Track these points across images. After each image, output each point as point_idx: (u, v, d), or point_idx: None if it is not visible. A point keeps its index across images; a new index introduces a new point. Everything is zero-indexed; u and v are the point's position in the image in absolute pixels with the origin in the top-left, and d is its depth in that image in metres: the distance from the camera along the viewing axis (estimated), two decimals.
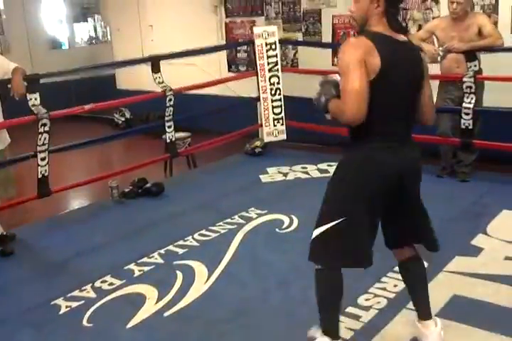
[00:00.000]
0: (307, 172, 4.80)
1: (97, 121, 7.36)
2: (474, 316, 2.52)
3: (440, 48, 4.24)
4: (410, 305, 2.50)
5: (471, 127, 4.26)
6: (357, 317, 2.55)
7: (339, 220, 2.05)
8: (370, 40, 1.96)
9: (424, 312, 2.28)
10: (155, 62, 4.63)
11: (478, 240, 3.30)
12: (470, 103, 4.23)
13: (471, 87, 4.20)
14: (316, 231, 2.11)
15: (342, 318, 2.51)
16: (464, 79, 4.20)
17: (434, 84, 4.41)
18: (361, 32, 2.06)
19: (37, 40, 8.57)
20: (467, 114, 4.24)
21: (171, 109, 4.70)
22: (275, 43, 5.30)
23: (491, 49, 4.17)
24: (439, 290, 2.73)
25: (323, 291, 2.16)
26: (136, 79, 6.92)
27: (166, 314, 2.72)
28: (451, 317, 2.47)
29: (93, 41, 9.60)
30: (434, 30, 4.32)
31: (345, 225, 2.04)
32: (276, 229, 3.64)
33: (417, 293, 2.29)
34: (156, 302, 2.83)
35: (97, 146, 5.12)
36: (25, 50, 8.14)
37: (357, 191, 2.05)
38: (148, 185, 4.50)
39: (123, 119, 7.36)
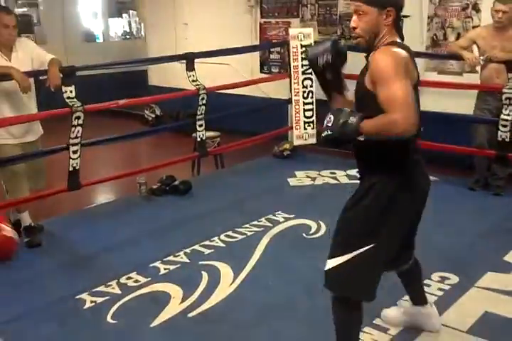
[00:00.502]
0: (336, 178, 4.75)
1: (127, 117, 7.38)
2: (505, 335, 2.46)
3: (481, 57, 4.17)
4: (442, 319, 2.46)
5: (508, 140, 4.17)
6: (385, 330, 2.49)
7: (368, 247, 1.92)
8: (404, 51, 1.84)
9: (422, 298, 2.42)
10: (190, 60, 4.63)
11: (511, 256, 3.23)
12: (508, 115, 4.13)
13: (510, 99, 4.11)
14: (339, 259, 1.95)
15: (369, 330, 2.48)
16: (504, 90, 4.11)
17: (473, 94, 4.36)
18: (370, 47, 1.92)
19: (72, 33, 8.67)
20: (505, 126, 4.15)
21: (203, 107, 4.68)
22: (311, 45, 5.25)
23: None
24: (470, 306, 2.68)
25: (344, 320, 2.04)
26: (168, 76, 6.95)
27: (190, 314, 2.71)
28: (482, 335, 2.42)
29: (127, 36, 9.68)
30: (476, 38, 4.24)
31: (374, 252, 1.92)
32: (304, 234, 3.60)
33: (415, 285, 2.39)
34: (181, 302, 2.82)
35: (126, 142, 5.13)
36: (60, 42, 8.22)
37: (391, 216, 1.93)
38: (176, 183, 4.50)
39: (153, 116, 7.39)
